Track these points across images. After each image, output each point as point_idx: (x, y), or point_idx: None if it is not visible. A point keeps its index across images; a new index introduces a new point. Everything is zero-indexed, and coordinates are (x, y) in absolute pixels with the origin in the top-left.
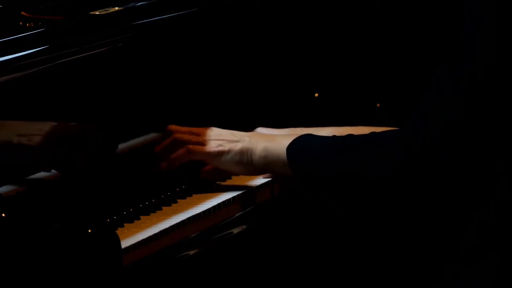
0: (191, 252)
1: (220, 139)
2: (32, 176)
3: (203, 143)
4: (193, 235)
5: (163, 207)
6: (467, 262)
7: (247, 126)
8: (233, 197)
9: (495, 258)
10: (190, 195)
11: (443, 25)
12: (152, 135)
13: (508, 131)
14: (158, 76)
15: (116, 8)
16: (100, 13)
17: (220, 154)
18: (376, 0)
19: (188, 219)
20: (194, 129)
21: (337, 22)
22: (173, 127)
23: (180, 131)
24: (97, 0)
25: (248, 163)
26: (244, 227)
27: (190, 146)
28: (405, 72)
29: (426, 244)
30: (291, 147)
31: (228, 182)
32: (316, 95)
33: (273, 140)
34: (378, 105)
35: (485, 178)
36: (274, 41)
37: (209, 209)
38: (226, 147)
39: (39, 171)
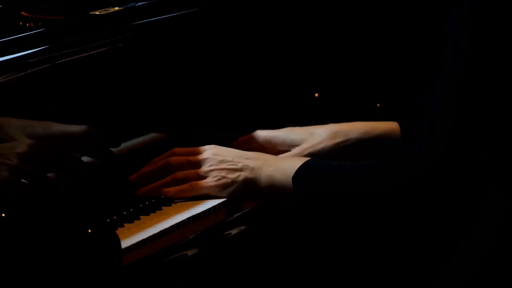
0: (191, 252)
1: (221, 168)
2: (32, 176)
3: (203, 176)
4: (193, 235)
5: (163, 207)
6: (466, 262)
7: (247, 126)
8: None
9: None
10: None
11: (443, 25)
12: (152, 135)
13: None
14: (158, 76)
15: (116, 8)
16: (100, 13)
17: (223, 187)
18: (376, 0)
19: (188, 219)
20: (193, 153)
21: (337, 22)
22: (171, 156)
23: (179, 158)
24: (97, 0)
25: (252, 194)
26: (245, 226)
27: (192, 186)
28: (405, 72)
29: (426, 246)
30: (297, 175)
31: None
32: (316, 95)
33: (277, 168)
34: (378, 105)
35: (481, 183)
36: (274, 41)
37: (209, 209)
38: (228, 179)
39: (39, 171)
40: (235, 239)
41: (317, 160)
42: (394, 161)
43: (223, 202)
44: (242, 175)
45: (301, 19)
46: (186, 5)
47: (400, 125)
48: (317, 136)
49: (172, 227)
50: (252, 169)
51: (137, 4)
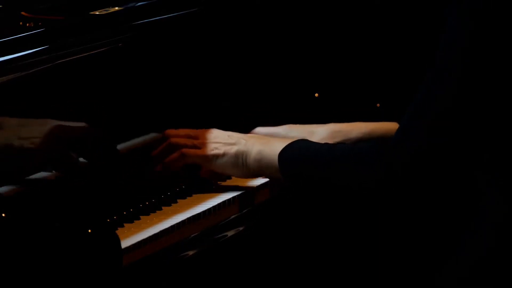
0: (191, 252)
1: (216, 141)
2: (32, 176)
3: (198, 146)
4: (193, 235)
5: (163, 207)
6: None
7: (247, 126)
8: (233, 197)
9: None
10: (190, 195)
11: (442, 25)
12: (152, 135)
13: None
14: (158, 76)
15: (116, 8)
16: (100, 13)
17: (215, 157)
18: (376, 0)
19: (188, 219)
20: (191, 132)
21: (337, 22)
22: (170, 131)
23: (177, 135)
24: (97, 0)
25: (242, 166)
26: (244, 227)
27: (184, 150)
28: (405, 72)
29: (426, 245)
30: (283, 153)
31: (228, 182)
32: (316, 95)
33: (268, 144)
34: (378, 105)
35: (481, 182)
36: (274, 41)
37: (209, 209)
38: (221, 150)
39: (39, 171)
40: (235, 239)
41: (305, 141)
42: (373, 156)
43: (223, 202)
44: (235, 148)
45: (301, 19)
46: (186, 5)
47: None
48: (317, 135)
49: (172, 227)
50: (246, 143)
51: (137, 4)
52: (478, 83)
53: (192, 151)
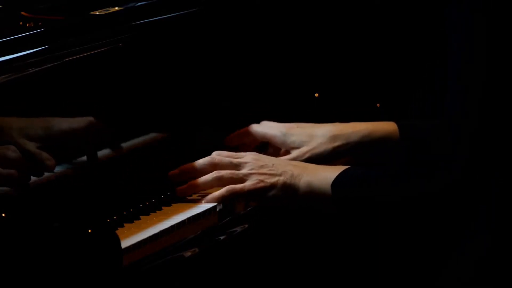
0: (191, 252)
1: (261, 172)
2: (32, 176)
3: (243, 179)
4: (193, 235)
5: (163, 207)
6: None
7: (247, 126)
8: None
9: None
10: (190, 195)
11: (442, 25)
12: (152, 135)
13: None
14: (158, 76)
15: (116, 8)
16: (100, 13)
17: (261, 191)
18: (376, 0)
19: (188, 219)
20: (234, 157)
21: (337, 22)
22: (216, 155)
23: (221, 161)
24: (97, 0)
25: (290, 199)
26: (245, 226)
27: (231, 188)
28: (405, 72)
29: (426, 246)
30: (335, 183)
31: None
32: (316, 95)
33: (316, 175)
34: (378, 105)
35: (483, 183)
36: (274, 41)
37: (209, 209)
38: (267, 183)
39: (39, 171)
40: (235, 239)
41: (355, 168)
42: (426, 169)
43: None
44: (281, 180)
45: (301, 19)
46: (186, 5)
47: (399, 126)
48: (317, 139)
49: (172, 227)
50: (292, 175)
51: (137, 4)
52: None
53: (238, 189)
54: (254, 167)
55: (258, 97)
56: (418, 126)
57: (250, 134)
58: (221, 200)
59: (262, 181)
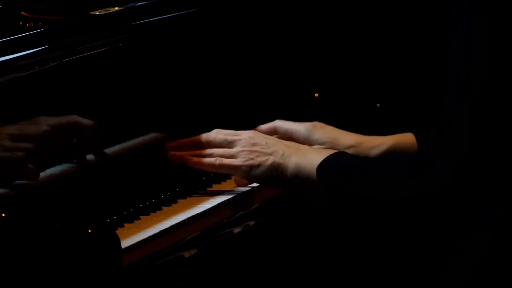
0: (191, 252)
1: (251, 150)
2: (32, 176)
3: (234, 155)
4: (193, 235)
5: (163, 207)
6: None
7: (247, 126)
8: (233, 197)
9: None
10: (191, 195)
11: (442, 25)
12: (152, 135)
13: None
14: (158, 76)
15: (116, 8)
16: (100, 13)
17: (249, 168)
18: (376, 0)
19: (188, 219)
20: (230, 134)
21: (337, 22)
22: (214, 132)
23: (216, 137)
24: (97, 0)
25: (278, 178)
26: (245, 226)
27: (219, 162)
28: (405, 72)
29: (426, 246)
30: (322, 166)
31: (229, 182)
32: (316, 95)
33: (305, 157)
34: (378, 105)
35: (483, 183)
36: (274, 41)
37: (209, 209)
38: (256, 161)
39: (39, 171)
40: (235, 238)
41: (344, 154)
42: (417, 170)
43: (223, 202)
44: (271, 159)
45: (301, 19)
46: (186, 5)
47: (417, 138)
48: (338, 145)
49: (172, 227)
50: (282, 154)
51: (137, 4)
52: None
53: (227, 162)
54: (246, 145)
55: (258, 97)
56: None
57: (273, 129)
58: (210, 169)
59: (251, 159)
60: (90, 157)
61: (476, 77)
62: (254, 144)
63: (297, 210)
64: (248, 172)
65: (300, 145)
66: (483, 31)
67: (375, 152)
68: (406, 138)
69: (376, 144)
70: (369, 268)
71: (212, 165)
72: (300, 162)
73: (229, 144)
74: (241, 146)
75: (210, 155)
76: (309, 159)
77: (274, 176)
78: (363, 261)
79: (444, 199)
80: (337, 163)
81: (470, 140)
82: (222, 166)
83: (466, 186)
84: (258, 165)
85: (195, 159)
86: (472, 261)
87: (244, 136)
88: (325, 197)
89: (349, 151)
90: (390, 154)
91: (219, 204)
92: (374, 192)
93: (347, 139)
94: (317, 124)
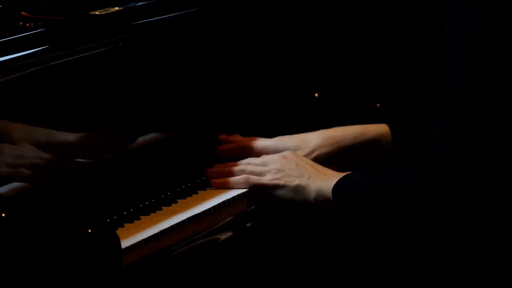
0: (191, 253)
1: (281, 169)
2: (32, 176)
3: (262, 173)
4: (193, 235)
5: (163, 207)
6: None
7: (247, 126)
8: (233, 197)
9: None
10: (190, 195)
11: (442, 25)
12: (152, 135)
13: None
14: (158, 76)
15: (116, 8)
16: (100, 13)
17: (274, 187)
18: (376, 0)
19: (188, 219)
20: (263, 151)
21: (337, 22)
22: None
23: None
24: (97, 0)
25: (302, 201)
26: (245, 227)
27: (247, 177)
28: (405, 72)
29: (426, 246)
30: (336, 190)
31: None
32: (316, 95)
33: (328, 181)
34: (378, 105)
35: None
36: (274, 41)
37: (209, 209)
38: (282, 181)
39: (39, 171)
40: (236, 239)
41: (355, 174)
42: (418, 173)
43: (223, 202)
44: (296, 181)
45: (301, 19)
46: (186, 5)
47: (390, 127)
48: (311, 143)
49: (172, 227)
50: (308, 177)
51: (137, 4)
52: (500, 83)
53: (254, 180)
54: (277, 165)
55: (258, 97)
56: (411, 127)
57: (243, 149)
58: (237, 186)
59: (278, 178)
60: (90, 157)
61: (476, 77)
62: (284, 164)
63: (297, 211)
64: (272, 191)
65: (328, 170)
66: (483, 31)
67: (347, 139)
68: (379, 127)
69: (347, 132)
70: (369, 268)
71: (240, 183)
72: (321, 185)
73: (263, 163)
74: (272, 165)
75: (242, 171)
76: (329, 181)
77: (298, 198)
78: (364, 261)
79: (443, 202)
80: (349, 182)
81: (468, 142)
82: (247, 181)
83: (466, 187)
84: (283, 186)
85: (227, 179)
86: (472, 261)
87: (276, 157)
88: (342, 215)
89: (322, 144)
90: (362, 139)
91: (219, 204)
92: (378, 202)
93: (315, 135)
94: (283, 136)
